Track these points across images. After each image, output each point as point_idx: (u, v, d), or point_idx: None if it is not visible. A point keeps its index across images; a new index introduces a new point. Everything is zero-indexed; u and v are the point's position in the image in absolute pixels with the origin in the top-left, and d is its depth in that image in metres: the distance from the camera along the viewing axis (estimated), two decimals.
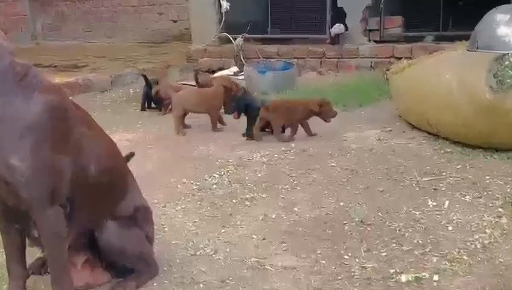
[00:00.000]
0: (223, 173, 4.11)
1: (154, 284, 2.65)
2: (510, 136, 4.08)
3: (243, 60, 8.32)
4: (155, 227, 3.20)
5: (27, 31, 13.45)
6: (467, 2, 7.84)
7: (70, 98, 2.48)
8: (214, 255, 2.90)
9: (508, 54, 4.18)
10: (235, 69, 8.28)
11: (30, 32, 13.44)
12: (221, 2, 8.65)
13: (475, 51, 4.61)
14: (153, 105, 6.46)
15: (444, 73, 4.48)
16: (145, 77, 6.51)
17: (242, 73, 7.82)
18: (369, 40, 8.09)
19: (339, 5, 8.06)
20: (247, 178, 3.99)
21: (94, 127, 2.49)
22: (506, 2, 5.50)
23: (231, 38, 8.53)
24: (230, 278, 2.67)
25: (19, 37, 12.48)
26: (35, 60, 9.74)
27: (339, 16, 8.06)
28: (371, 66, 7.84)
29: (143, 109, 6.41)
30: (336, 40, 8.11)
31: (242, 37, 8.44)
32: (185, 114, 5.40)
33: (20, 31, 13.29)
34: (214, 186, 3.87)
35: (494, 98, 3.97)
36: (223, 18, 8.73)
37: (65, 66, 9.31)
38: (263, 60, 8.16)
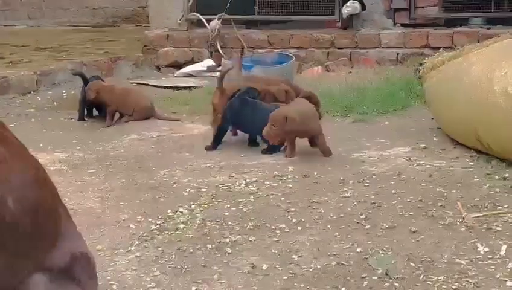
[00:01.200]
0: (193, 207, 4.13)
1: None
2: None
3: (220, 50, 8.38)
4: (100, 285, 3.22)
5: None
6: None
7: None
8: None
9: None
10: (209, 62, 8.35)
11: None
12: None
13: None
14: (95, 113, 6.48)
15: (499, 70, 4.56)
16: (82, 76, 6.53)
17: (219, 68, 7.88)
18: (395, 24, 8.21)
19: None
20: (227, 214, 4.00)
21: (11, 145, 2.49)
22: None
23: (204, 21, 8.60)
24: None
25: None
26: None
27: None
28: (397, 59, 7.95)
29: (81, 119, 6.41)
30: (349, 23, 8.22)
31: (219, 19, 8.51)
32: None
33: None
34: (182, 225, 3.87)
35: None
36: None
37: None
38: (248, 50, 8.24)
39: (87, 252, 2.71)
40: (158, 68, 8.75)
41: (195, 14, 8.77)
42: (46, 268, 2.49)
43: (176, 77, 8.26)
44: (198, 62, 8.45)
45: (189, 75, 8.23)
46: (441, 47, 6.87)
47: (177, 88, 7.66)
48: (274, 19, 8.75)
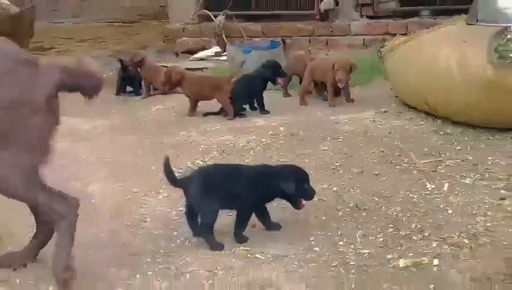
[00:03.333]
0: (207, 159, 4.18)
1: (137, 275, 2.71)
2: None
3: (225, 39, 8.36)
4: (135, 218, 3.29)
5: None
6: None
7: None
8: (200, 245, 2.97)
9: (510, 26, 4.28)
10: (216, 49, 8.31)
11: None
12: None
13: (475, 24, 4.70)
14: (128, 89, 6.49)
15: (443, 49, 4.58)
16: (121, 61, 6.51)
17: (224, 54, 7.86)
18: (362, 16, 8.18)
19: None
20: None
21: None
22: None
23: (212, 16, 8.56)
24: (219, 269, 2.74)
25: None
26: None
27: None
28: (363, 44, 7.93)
29: (118, 94, 6.43)
30: (325, 16, 8.18)
31: (223, 15, 8.47)
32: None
33: None
34: None
35: (496, 75, 4.07)
36: None
37: (30, 49, 9.27)
38: (246, 38, 8.21)
39: None
40: (176, 54, 8.69)
41: (204, 10, 8.73)
42: None
43: (190, 60, 8.22)
44: (207, 49, 8.41)
45: (200, 59, 8.19)
46: (397, 34, 6.86)
47: (192, 69, 7.64)
48: (267, 13, 8.71)
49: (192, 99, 5.45)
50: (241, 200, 2.97)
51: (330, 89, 5.44)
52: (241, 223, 3.02)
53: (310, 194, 3.06)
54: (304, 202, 3.07)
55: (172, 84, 5.49)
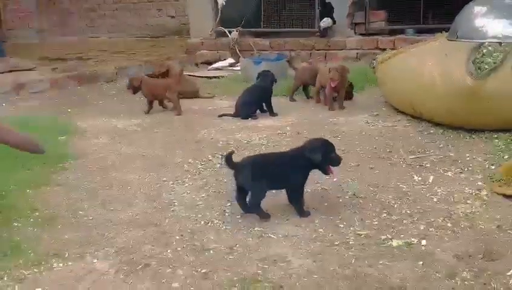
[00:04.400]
0: (225, 153, 4.14)
1: (168, 251, 2.72)
2: (488, 118, 4.18)
3: (238, 52, 8.37)
4: (165, 202, 3.29)
5: (34, 27, 13.38)
6: None
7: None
8: (221, 226, 2.97)
9: (485, 42, 4.27)
10: (231, 60, 8.32)
11: (36, 28, 13.37)
12: None
13: (455, 40, 4.69)
14: None
15: (427, 61, 4.57)
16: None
17: (238, 64, 7.88)
18: (355, 33, 8.17)
19: (326, 0, 8.12)
20: None
21: None
22: None
23: (227, 32, 8.57)
24: (237, 246, 2.74)
25: (26, 33, 12.44)
26: (42, 54, 9.74)
27: (327, 10, 8.12)
28: (357, 56, 7.93)
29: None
30: (324, 33, 8.18)
31: (237, 31, 8.48)
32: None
33: (27, 27, 13.23)
34: (218, 165, 3.93)
35: (474, 84, 4.06)
36: (219, 13, 8.76)
37: (70, 59, 9.30)
38: (257, 52, 8.22)
39: None
40: (196, 64, 8.71)
41: (221, 27, 8.74)
42: None
43: (208, 70, 8.24)
44: (223, 60, 8.42)
45: (217, 68, 8.20)
46: (386, 48, 6.88)
47: (209, 77, 7.65)
48: (274, 30, 8.71)
49: (148, 100, 5.70)
50: (290, 180, 3.01)
51: (329, 94, 5.44)
52: (297, 199, 3.06)
53: (336, 161, 3.07)
54: (332, 168, 3.06)
55: (134, 88, 5.73)
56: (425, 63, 4.56)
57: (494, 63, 4.08)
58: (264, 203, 3.09)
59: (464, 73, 4.10)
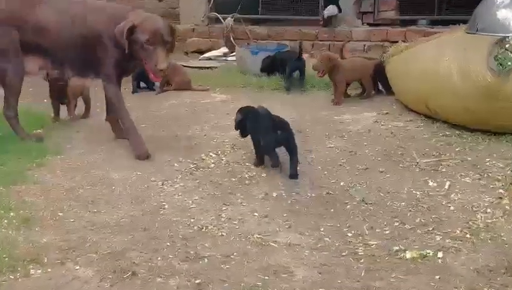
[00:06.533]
0: (219, 152, 4.16)
1: (158, 258, 2.71)
2: (509, 119, 4.19)
3: (233, 40, 8.35)
4: (154, 205, 3.28)
5: None
6: None
7: None
8: (217, 232, 2.98)
9: (508, 36, 4.28)
10: (224, 50, 8.29)
11: None
12: None
13: (475, 34, 4.70)
14: (142, 85, 6.46)
15: (444, 56, 4.57)
16: None
17: (232, 54, 7.86)
18: (363, 23, 8.17)
19: None
20: (244, 157, 4.04)
21: None
22: None
23: (221, 18, 8.54)
24: (235, 254, 2.75)
25: None
26: None
27: None
28: (364, 49, 7.93)
29: (134, 91, 6.37)
30: (328, 22, 8.17)
31: (232, 17, 8.46)
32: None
33: None
34: (212, 165, 3.93)
35: (495, 81, 4.08)
36: None
37: None
38: (253, 41, 8.20)
39: None
40: (186, 53, 8.66)
41: (214, 13, 8.71)
42: None
43: (200, 60, 8.21)
44: (216, 49, 8.39)
45: (209, 58, 8.17)
46: (397, 41, 6.84)
47: (201, 68, 7.63)
48: (273, 17, 8.70)
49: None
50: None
51: (334, 87, 5.49)
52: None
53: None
54: None
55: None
56: (441, 58, 4.57)
57: None
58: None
59: (484, 69, 4.11)
